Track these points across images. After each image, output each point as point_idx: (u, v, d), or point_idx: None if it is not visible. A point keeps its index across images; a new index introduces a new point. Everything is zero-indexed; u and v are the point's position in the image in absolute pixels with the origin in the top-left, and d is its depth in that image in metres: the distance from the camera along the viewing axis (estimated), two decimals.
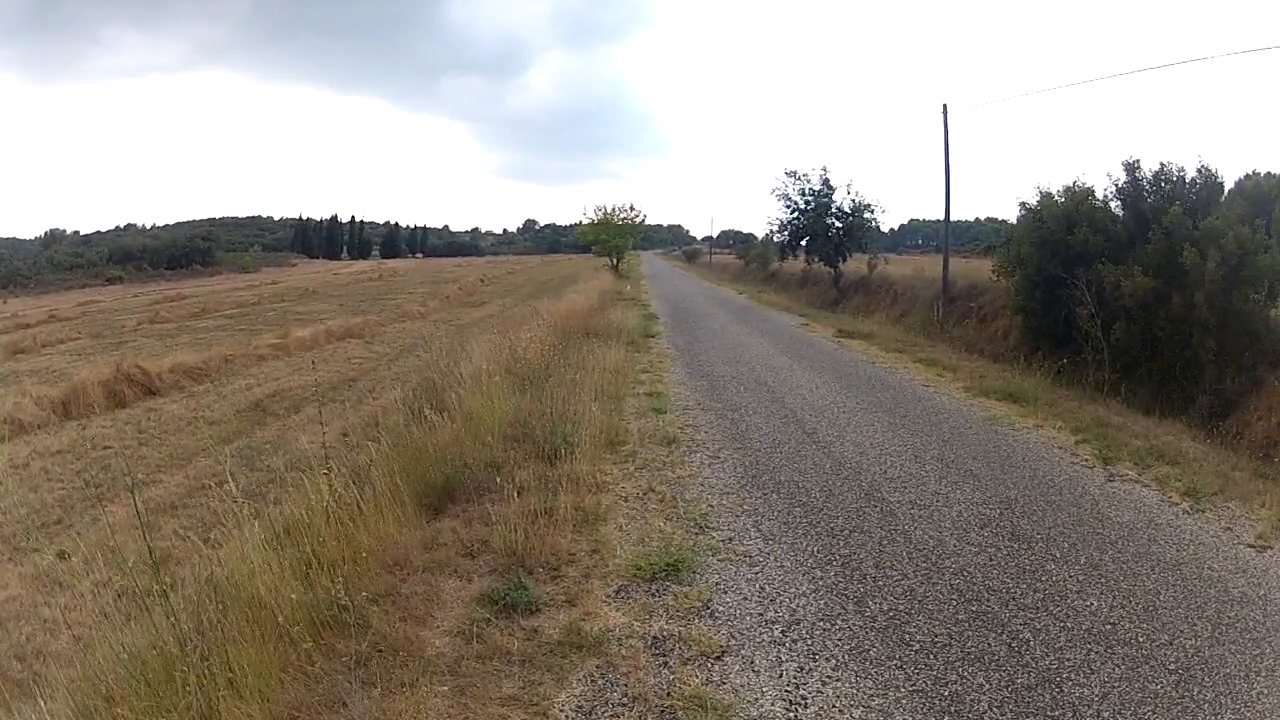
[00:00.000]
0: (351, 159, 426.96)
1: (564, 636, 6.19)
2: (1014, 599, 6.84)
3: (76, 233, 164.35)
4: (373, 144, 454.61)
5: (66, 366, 28.60)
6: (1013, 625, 6.36)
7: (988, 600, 6.80)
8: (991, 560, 7.65)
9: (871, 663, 5.83)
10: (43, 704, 5.30)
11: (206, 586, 6.29)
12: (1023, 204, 22.43)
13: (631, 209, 77.65)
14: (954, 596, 6.88)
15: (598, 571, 7.42)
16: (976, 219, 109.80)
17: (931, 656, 5.90)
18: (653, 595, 6.98)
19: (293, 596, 6.01)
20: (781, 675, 5.67)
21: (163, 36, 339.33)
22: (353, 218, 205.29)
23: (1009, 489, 9.79)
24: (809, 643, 6.12)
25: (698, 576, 7.35)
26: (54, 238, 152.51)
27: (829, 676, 5.65)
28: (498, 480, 9.05)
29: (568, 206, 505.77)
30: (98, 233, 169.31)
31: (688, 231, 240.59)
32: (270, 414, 19.92)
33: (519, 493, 8.57)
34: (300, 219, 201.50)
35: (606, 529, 8.43)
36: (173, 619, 5.49)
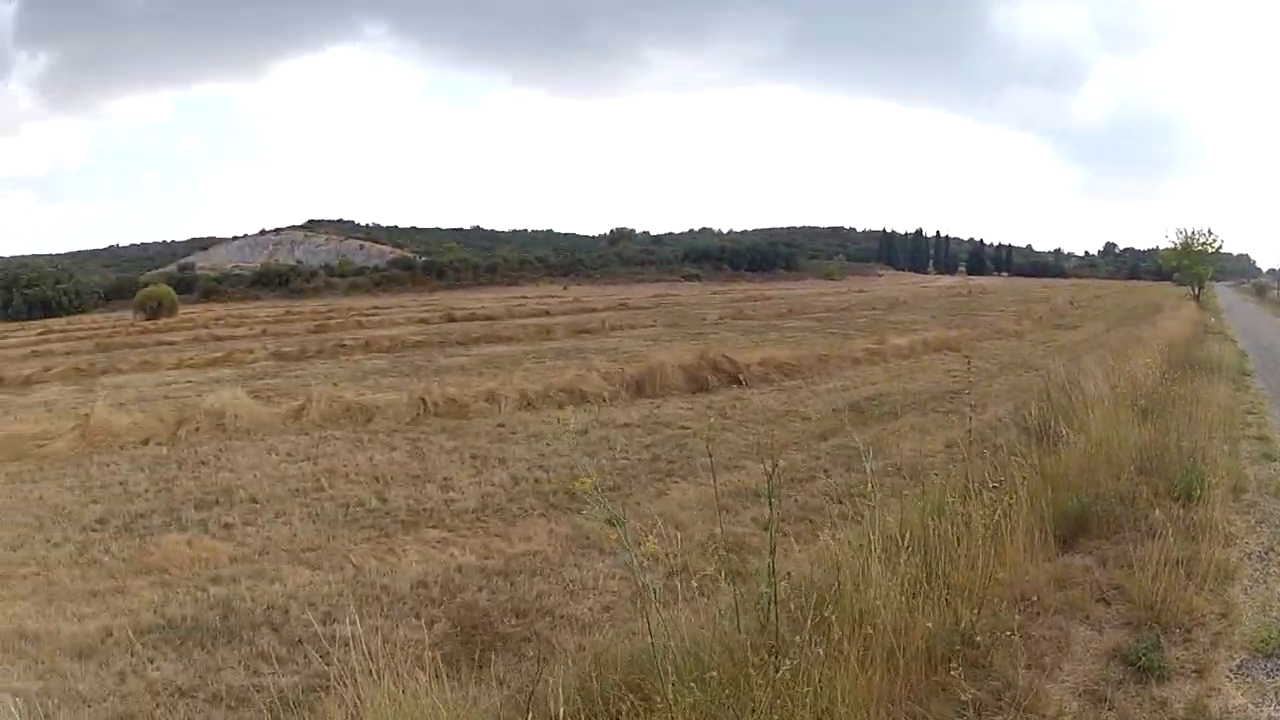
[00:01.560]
0: (929, 172, 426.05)
1: (1189, 714, 5.50)
2: None
3: (646, 233, 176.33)
4: (947, 157, 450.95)
5: (638, 349, 30.11)
6: None
7: None
8: None
9: None
10: (546, 676, 5.10)
11: (803, 588, 5.76)
12: None
13: (1209, 234, 73.23)
14: None
15: (1225, 639, 6.52)
16: None
17: None
18: (1269, 675, 6.06)
19: (928, 624, 5.50)
20: None
21: (707, 55, 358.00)
22: (937, 232, 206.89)
23: None
24: None
25: None
26: (621, 235, 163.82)
27: None
28: (1132, 517, 8.38)
29: (1142, 229, 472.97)
30: (670, 234, 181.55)
31: (1254, 261, 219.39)
32: (868, 416, 19.38)
33: (1153, 536, 7.63)
34: (884, 231, 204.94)
35: (1233, 590, 7.41)
36: (768, 619, 5.08)
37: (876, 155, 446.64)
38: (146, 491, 13.67)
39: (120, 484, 14.22)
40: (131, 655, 7.80)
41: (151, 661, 7.81)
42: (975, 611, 5.90)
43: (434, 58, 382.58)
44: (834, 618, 5.16)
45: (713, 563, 5.75)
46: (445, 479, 13.78)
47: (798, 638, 4.96)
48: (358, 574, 9.88)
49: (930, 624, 5.53)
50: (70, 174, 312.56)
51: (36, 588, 9.93)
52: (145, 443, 17.27)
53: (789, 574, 6.08)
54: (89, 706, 7.11)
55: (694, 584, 5.92)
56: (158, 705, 7.02)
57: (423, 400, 19.26)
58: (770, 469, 5.33)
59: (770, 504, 5.26)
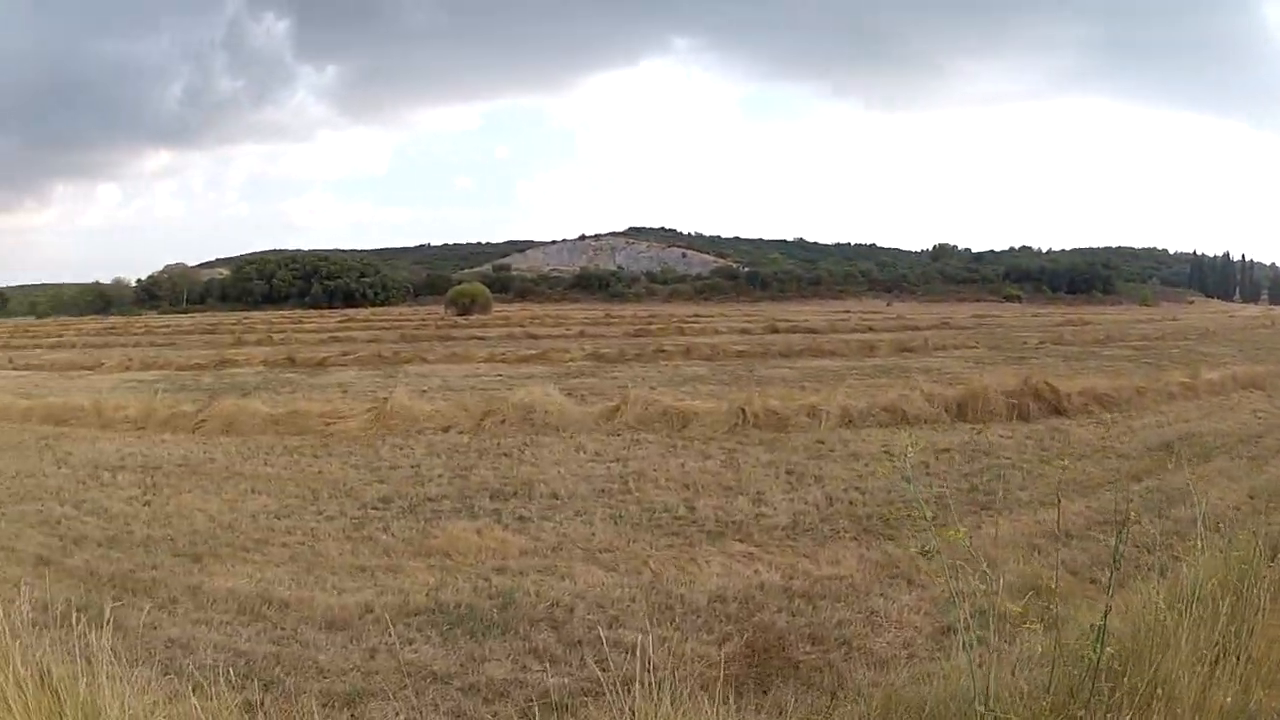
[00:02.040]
0: (1229, 188, 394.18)
1: None
2: None
3: (967, 250, 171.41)
4: (1244, 172, 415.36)
5: (961, 370, 29.30)
6: None
7: None
8: None
9: None
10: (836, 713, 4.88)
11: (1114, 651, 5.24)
12: None
13: None
14: None
15: None
16: None
17: None
18: None
19: (1226, 699, 4.96)
20: None
21: (1016, 66, 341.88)
22: (1243, 256, 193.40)
23: None
24: None
25: None
26: (943, 251, 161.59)
27: None
28: None
29: None
30: (990, 251, 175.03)
31: None
32: (1179, 457, 17.28)
33: None
34: (1195, 255, 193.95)
35: None
36: (1081, 684, 4.74)
37: (1179, 170, 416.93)
38: (440, 477, 13.94)
39: (412, 467, 14.61)
40: (388, 634, 7.75)
41: (411, 643, 7.82)
42: (1266, 691, 5.37)
43: (747, 71, 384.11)
44: (1144, 686, 4.87)
45: (1026, 608, 5.56)
46: (758, 493, 13.36)
47: (1103, 707, 4.70)
48: (654, 581, 9.70)
49: (1229, 699, 5.03)
50: (373, 177, 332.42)
51: (296, 555, 10.25)
52: (445, 430, 17.71)
53: (1092, 627, 6.22)
54: (324, 677, 7.18)
55: (1005, 628, 5.66)
56: (404, 686, 6.94)
57: (742, 410, 18.86)
58: (1118, 527, 5.21)
59: (1114, 559, 5.10)
